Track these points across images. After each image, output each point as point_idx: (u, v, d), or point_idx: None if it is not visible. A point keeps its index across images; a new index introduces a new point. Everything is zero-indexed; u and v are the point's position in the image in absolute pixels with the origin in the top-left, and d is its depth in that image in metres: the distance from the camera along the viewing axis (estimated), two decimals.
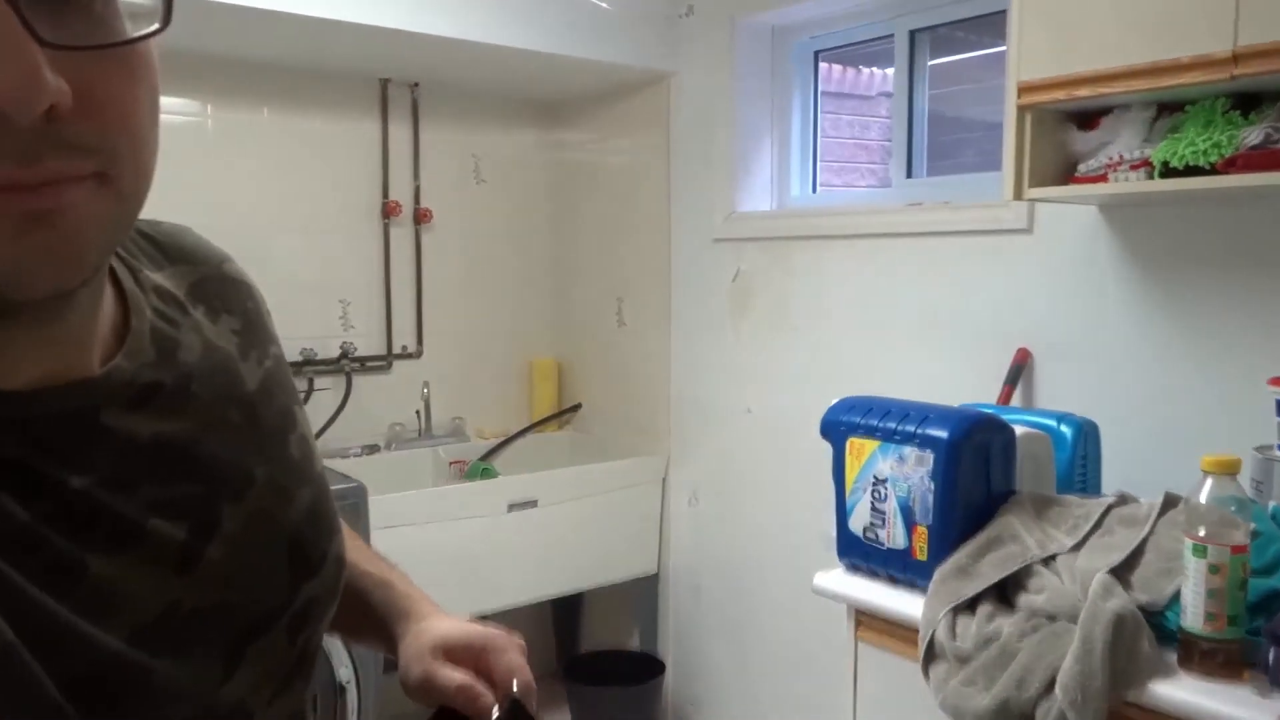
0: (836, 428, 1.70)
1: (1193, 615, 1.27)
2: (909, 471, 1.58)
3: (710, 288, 2.82)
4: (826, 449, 1.73)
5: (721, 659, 2.89)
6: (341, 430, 2.91)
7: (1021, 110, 1.68)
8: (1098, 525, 1.51)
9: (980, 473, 1.58)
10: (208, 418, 0.58)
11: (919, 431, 1.58)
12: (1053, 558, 1.48)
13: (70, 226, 0.44)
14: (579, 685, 2.83)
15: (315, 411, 2.85)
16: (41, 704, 0.45)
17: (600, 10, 2.66)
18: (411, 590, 0.82)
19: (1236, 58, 1.42)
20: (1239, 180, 1.48)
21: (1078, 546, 1.49)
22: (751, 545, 2.77)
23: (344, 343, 2.92)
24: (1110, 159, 1.65)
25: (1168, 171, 1.55)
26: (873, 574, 1.68)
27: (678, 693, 3.03)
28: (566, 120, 3.28)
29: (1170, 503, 1.48)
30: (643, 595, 3.04)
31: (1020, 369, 2.03)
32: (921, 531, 1.58)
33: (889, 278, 2.35)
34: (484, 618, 0.81)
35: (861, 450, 1.65)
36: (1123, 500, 1.57)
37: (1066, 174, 1.73)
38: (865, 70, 2.83)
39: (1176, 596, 1.32)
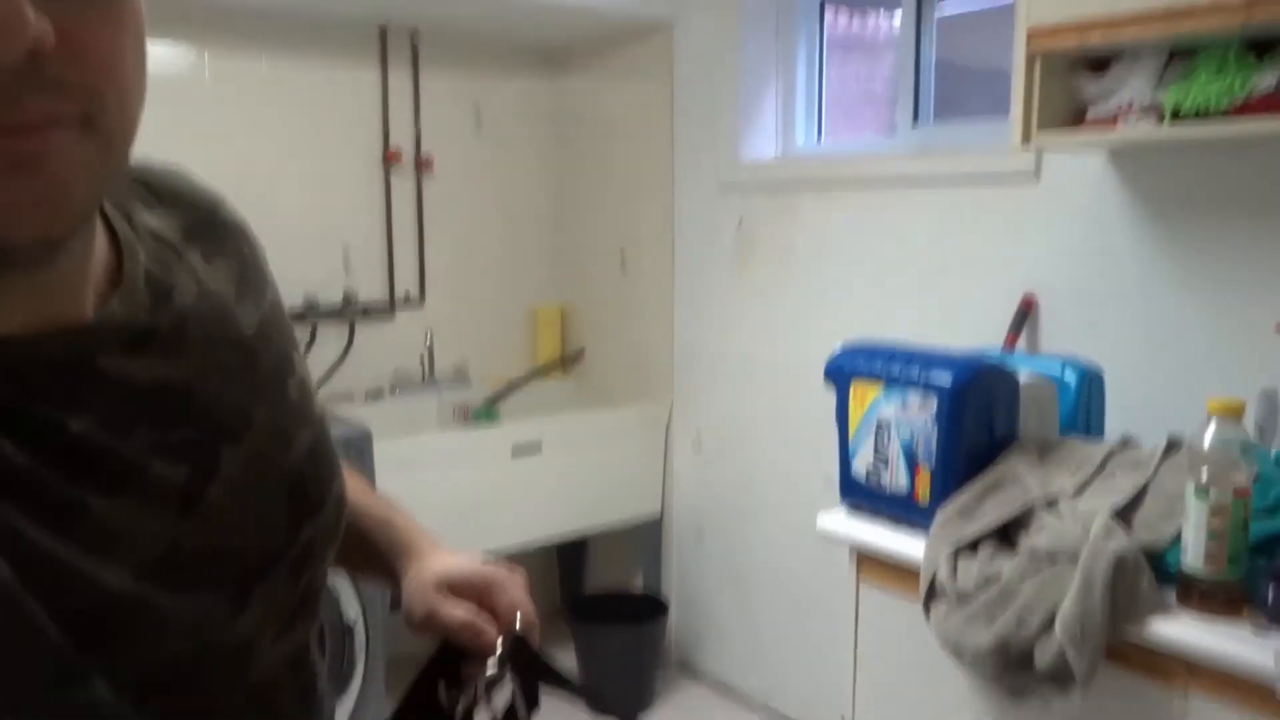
0: (841, 372, 1.70)
1: (1193, 556, 1.29)
2: (913, 416, 1.59)
3: (714, 235, 2.81)
4: (830, 394, 1.74)
5: (724, 600, 2.93)
6: (345, 377, 2.92)
7: (1031, 56, 1.67)
8: (1100, 468, 1.53)
9: (984, 418, 1.60)
10: (204, 362, 0.57)
11: (923, 376, 1.59)
12: (1055, 500, 1.50)
13: (56, 173, 0.44)
14: (583, 625, 2.87)
15: (318, 359, 2.86)
16: (39, 641, 0.45)
17: None
18: (413, 527, 0.82)
19: (1250, 1, 1.41)
20: (1250, 125, 1.47)
21: (1080, 489, 1.50)
22: (754, 489, 2.79)
23: (346, 290, 2.91)
24: (1120, 105, 1.63)
25: (1178, 117, 1.54)
26: (875, 516, 1.70)
27: (680, 633, 3.07)
28: (569, 67, 3.25)
29: (1173, 446, 1.50)
30: (646, 538, 3.08)
31: (1025, 316, 2.03)
32: (924, 475, 1.59)
33: (894, 225, 2.34)
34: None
35: (865, 394, 1.66)
36: (1126, 444, 1.58)
37: (1075, 120, 1.72)
38: (872, 17, 2.79)
39: (1177, 538, 1.34)
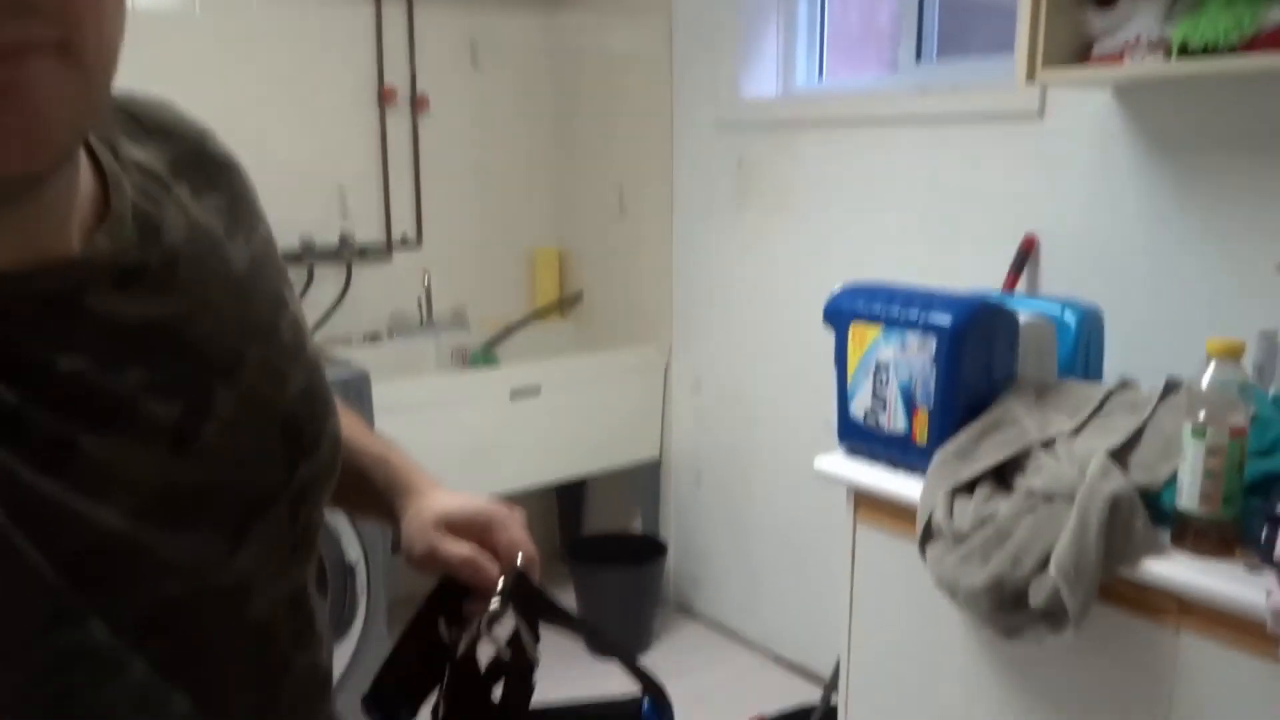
0: (840, 313, 1.69)
1: (1188, 495, 1.30)
2: (911, 357, 1.59)
3: (713, 175, 2.78)
4: (829, 336, 1.73)
5: (722, 542, 2.96)
6: (343, 320, 2.91)
7: None
8: (1098, 410, 1.53)
9: (982, 359, 1.59)
10: (195, 299, 0.56)
11: (922, 317, 1.58)
12: (1052, 441, 1.50)
13: (35, 104, 0.43)
14: (582, 566, 2.90)
15: (315, 301, 2.85)
16: (35, 582, 0.45)
17: None
18: (410, 466, 0.82)
19: None
20: (1259, 61, 1.44)
21: (1078, 430, 1.50)
22: (753, 431, 2.80)
23: (343, 231, 2.89)
24: (1127, 40, 1.60)
25: (1185, 52, 1.51)
26: (873, 457, 1.70)
27: (679, 574, 3.11)
28: (566, 3, 3.18)
29: (1171, 387, 1.50)
30: (645, 480, 3.09)
31: (1026, 256, 2.02)
32: (922, 416, 1.59)
33: (896, 165, 2.32)
34: None
35: (864, 336, 1.65)
36: (1124, 386, 1.58)
37: (1081, 56, 1.69)
38: None
39: (1173, 478, 1.34)
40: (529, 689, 0.72)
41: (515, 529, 0.76)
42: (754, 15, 2.64)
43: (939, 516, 1.49)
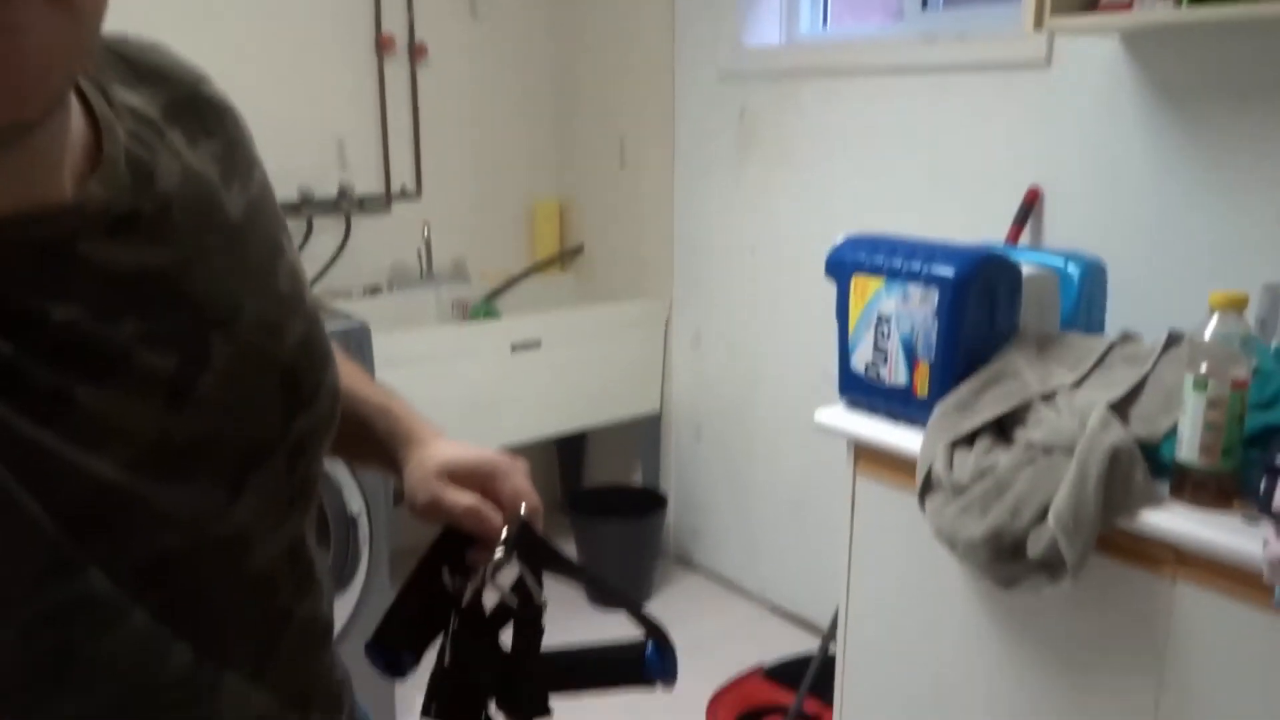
0: (842, 265, 1.69)
1: (1188, 447, 1.30)
2: (913, 309, 1.58)
3: (715, 126, 2.76)
4: (830, 290, 1.72)
5: (722, 495, 2.98)
6: (342, 272, 2.90)
7: None
8: (1100, 362, 1.53)
9: (984, 311, 1.58)
10: (190, 248, 0.55)
11: (925, 269, 1.57)
12: (1053, 394, 1.50)
13: (24, 53, 0.42)
14: (582, 518, 2.92)
15: (315, 253, 2.83)
16: (34, 532, 0.45)
17: None
18: (412, 415, 0.82)
19: None
20: (1271, 8, 1.42)
21: (1079, 383, 1.50)
22: (753, 385, 2.80)
23: (342, 183, 2.87)
24: None
25: None
26: (873, 410, 1.70)
27: (678, 526, 3.13)
28: None
29: (1173, 340, 1.49)
30: (645, 434, 3.10)
31: (1030, 208, 2.00)
32: (923, 369, 1.59)
33: (900, 115, 2.29)
34: None
35: (866, 288, 1.64)
36: (1126, 338, 1.58)
37: (1090, 4, 1.66)
38: None
39: (1173, 431, 1.34)
40: (539, 632, 0.72)
41: (519, 478, 0.76)
42: None
43: (939, 468, 1.49)
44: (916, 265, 1.58)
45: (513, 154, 3.22)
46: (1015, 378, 1.54)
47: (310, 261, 2.79)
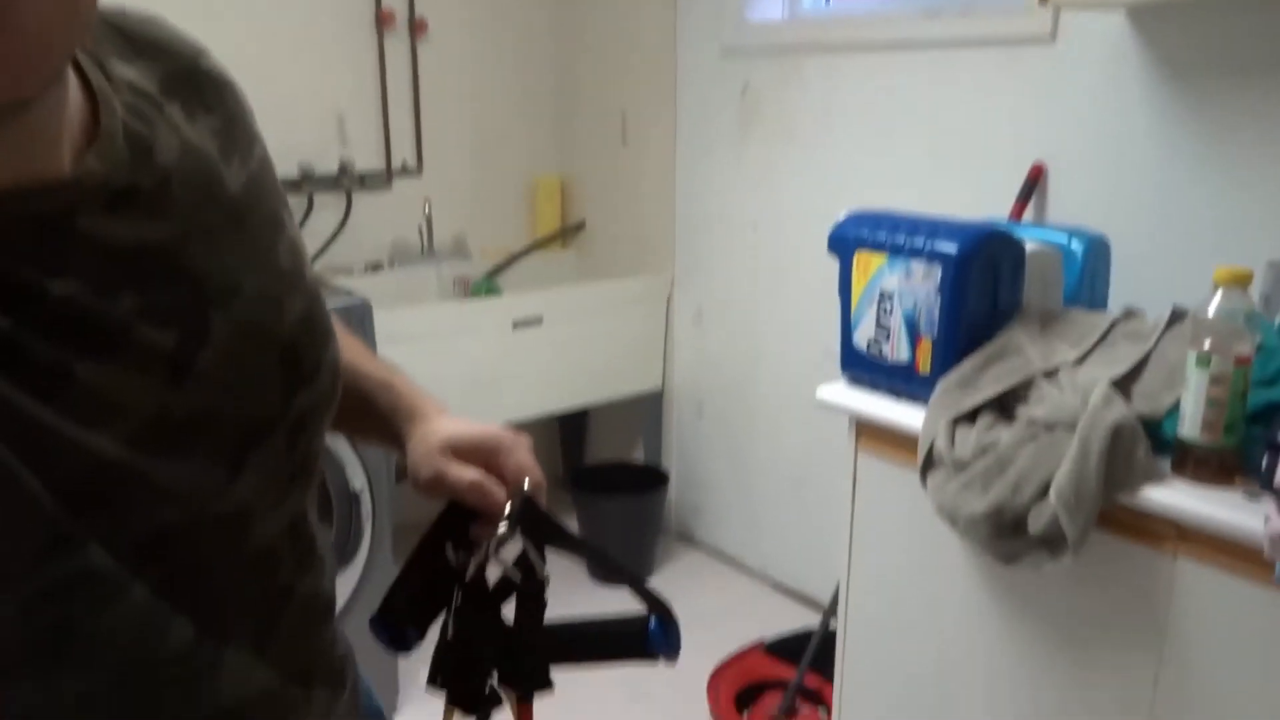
0: (845, 241, 1.68)
1: (1190, 424, 1.30)
2: (916, 285, 1.58)
3: (717, 102, 2.74)
4: (832, 266, 1.72)
5: (723, 472, 2.98)
6: (343, 249, 2.89)
7: None
8: (1102, 339, 1.52)
9: (987, 288, 1.58)
10: (189, 223, 0.55)
11: (927, 245, 1.56)
12: (1055, 371, 1.50)
13: (22, 29, 0.41)
14: (584, 495, 2.93)
15: (316, 230, 2.83)
16: (33, 508, 0.45)
17: None
18: (414, 390, 0.82)
19: None
20: None
21: (1081, 360, 1.50)
22: (754, 362, 2.80)
23: (342, 159, 2.86)
24: None
25: None
26: (875, 387, 1.70)
27: (680, 503, 3.14)
28: None
29: (1177, 317, 1.49)
30: (647, 411, 3.11)
31: (1034, 184, 1.99)
32: (926, 345, 1.59)
33: (904, 91, 2.28)
34: None
35: (869, 264, 1.64)
36: (1129, 315, 1.57)
37: None
38: None
39: (1175, 407, 1.34)
40: (541, 607, 0.73)
41: (522, 453, 0.76)
42: None
43: (940, 445, 1.49)
44: (919, 241, 1.57)
45: (514, 130, 3.20)
46: (1018, 354, 1.54)
47: (311, 238, 2.78)
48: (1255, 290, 1.38)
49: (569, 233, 3.30)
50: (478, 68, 3.08)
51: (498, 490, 0.74)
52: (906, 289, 1.60)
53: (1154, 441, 1.36)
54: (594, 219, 3.24)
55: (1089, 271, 1.71)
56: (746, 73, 2.64)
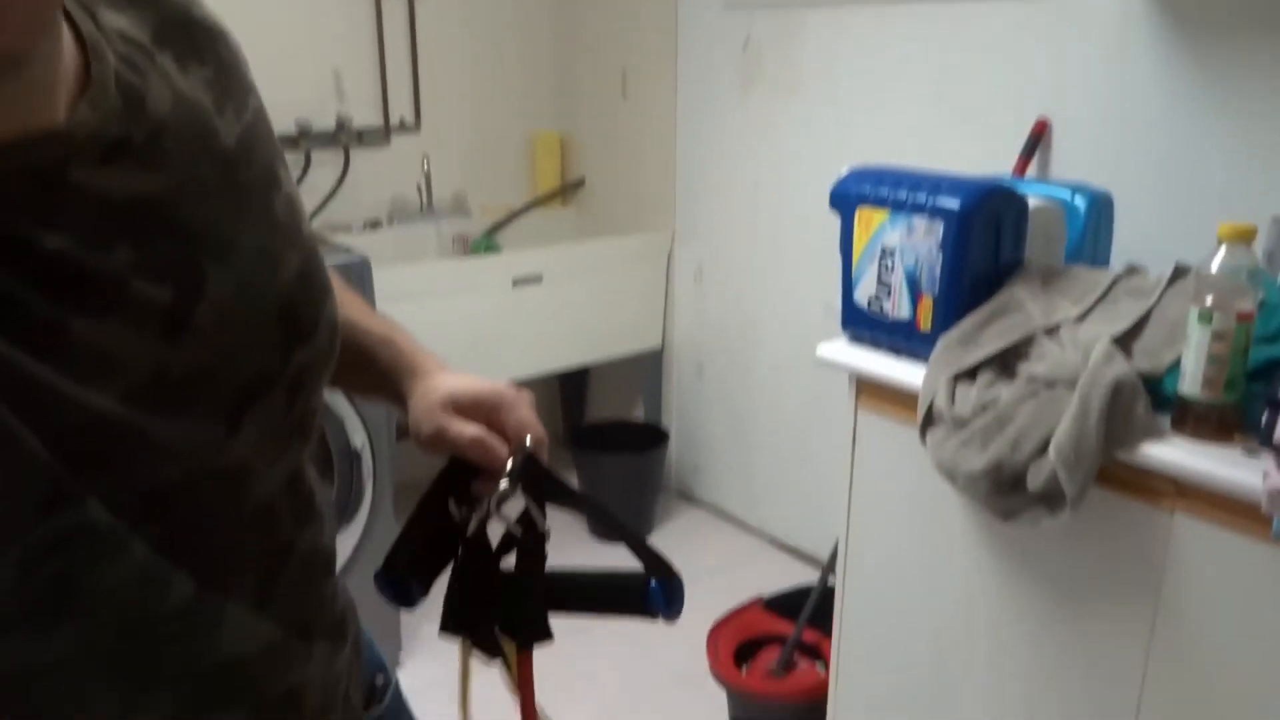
0: (846, 198, 1.67)
1: (1190, 381, 1.30)
2: (917, 242, 1.57)
3: (719, 56, 2.71)
4: (834, 224, 1.71)
5: (723, 430, 2.99)
6: (342, 206, 2.87)
7: None
8: (1104, 296, 1.52)
9: (989, 244, 1.57)
10: (183, 175, 0.54)
11: (930, 201, 1.55)
12: (1056, 328, 1.49)
13: None
14: (585, 453, 2.93)
15: (314, 187, 2.81)
16: (31, 463, 0.45)
17: None
18: (415, 346, 0.81)
19: None
20: None
21: (1083, 317, 1.49)
22: (755, 320, 2.80)
23: (340, 115, 2.83)
24: None
25: None
26: (876, 345, 1.70)
27: (680, 461, 3.15)
28: None
29: (1179, 273, 1.48)
30: (647, 369, 3.11)
31: (1038, 140, 1.97)
32: (927, 302, 1.58)
33: (907, 45, 2.25)
34: None
35: (870, 221, 1.63)
36: (1131, 271, 1.57)
37: None
38: None
39: (1176, 364, 1.34)
40: (541, 560, 0.73)
41: (524, 410, 0.76)
42: None
43: (940, 402, 1.49)
44: (921, 197, 1.56)
45: (513, 85, 3.17)
46: (1019, 311, 1.53)
47: (309, 195, 2.76)
48: (1259, 246, 1.37)
49: (569, 190, 3.28)
50: (476, 21, 3.04)
51: (499, 446, 0.74)
52: (908, 245, 1.59)
53: (1154, 398, 1.36)
54: (594, 176, 3.22)
55: (1092, 228, 1.70)
56: (748, 26, 2.60)
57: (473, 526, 0.73)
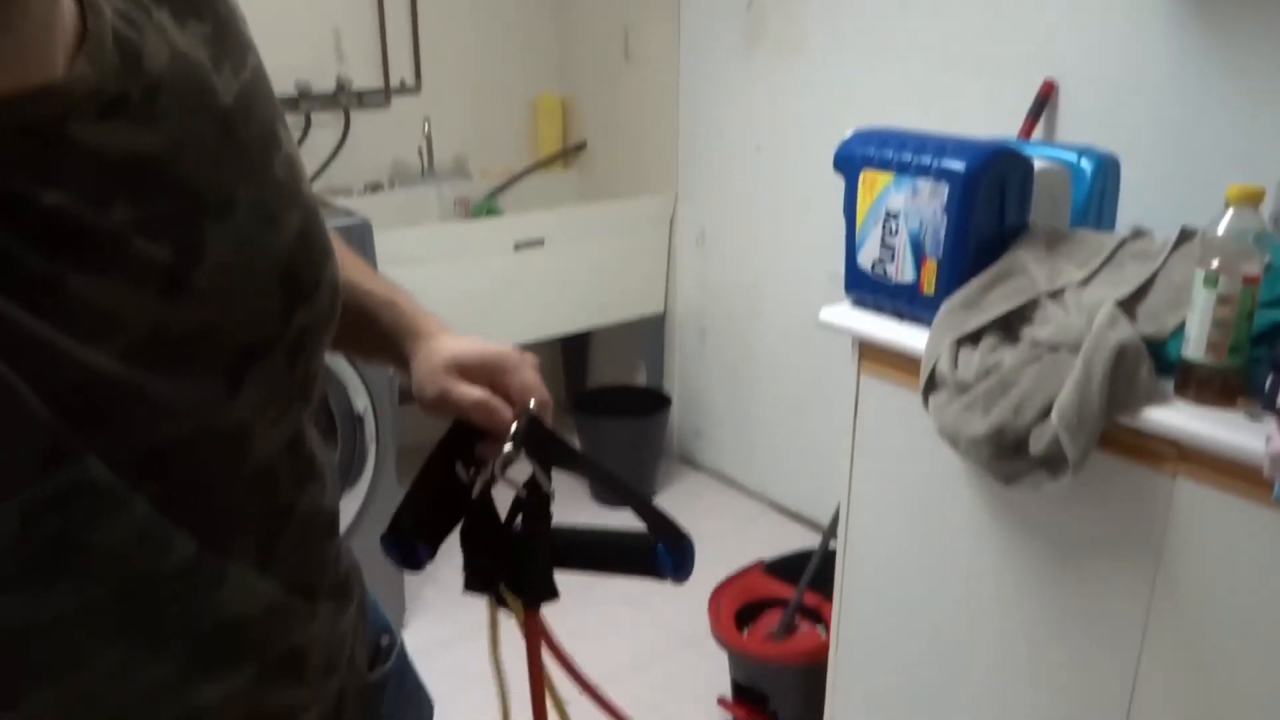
0: (850, 160, 1.65)
1: (1195, 345, 1.29)
2: (922, 204, 1.56)
3: (721, 16, 2.67)
4: (838, 187, 1.69)
5: (725, 395, 2.99)
6: (341, 169, 2.86)
7: None
8: (1109, 259, 1.51)
9: (995, 206, 1.56)
10: (181, 133, 0.53)
11: (935, 163, 1.54)
12: (1060, 292, 1.48)
13: None
14: (587, 418, 2.94)
15: (314, 150, 2.79)
16: (31, 420, 0.45)
17: None
18: (417, 309, 0.81)
19: None
20: None
21: (1087, 280, 1.49)
22: (758, 284, 2.79)
23: (339, 76, 2.80)
24: None
25: None
26: (879, 309, 1.69)
27: (682, 426, 3.15)
28: None
29: (1185, 236, 1.47)
30: (649, 334, 3.10)
31: (1044, 102, 1.96)
32: (931, 265, 1.57)
33: (913, 4, 2.22)
34: None
35: (875, 183, 1.62)
36: (1137, 235, 1.56)
37: None
38: None
39: (1180, 328, 1.33)
40: (546, 519, 0.73)
41: (527, 372, 0.76)
42: None
43: (943, 366, 1.49)
44: (927, 159, 1.55)
45: (514, 46, 3.14)
46: (1023, 275, 1.53)
47: (309, 158, 2.74)
48: (1266, 209, 1.36)
49: (571, 153, 3.26)
50: None
51: (503, 409, 0.74)
52: (912, 208, 1.58)
53: (1157, 362, 1.35)
54: (596, 139, 3.20)
55: (1098, 191, 1.69)
56: None
57: (477, 489, 0.73)
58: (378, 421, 2.23)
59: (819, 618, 2.09)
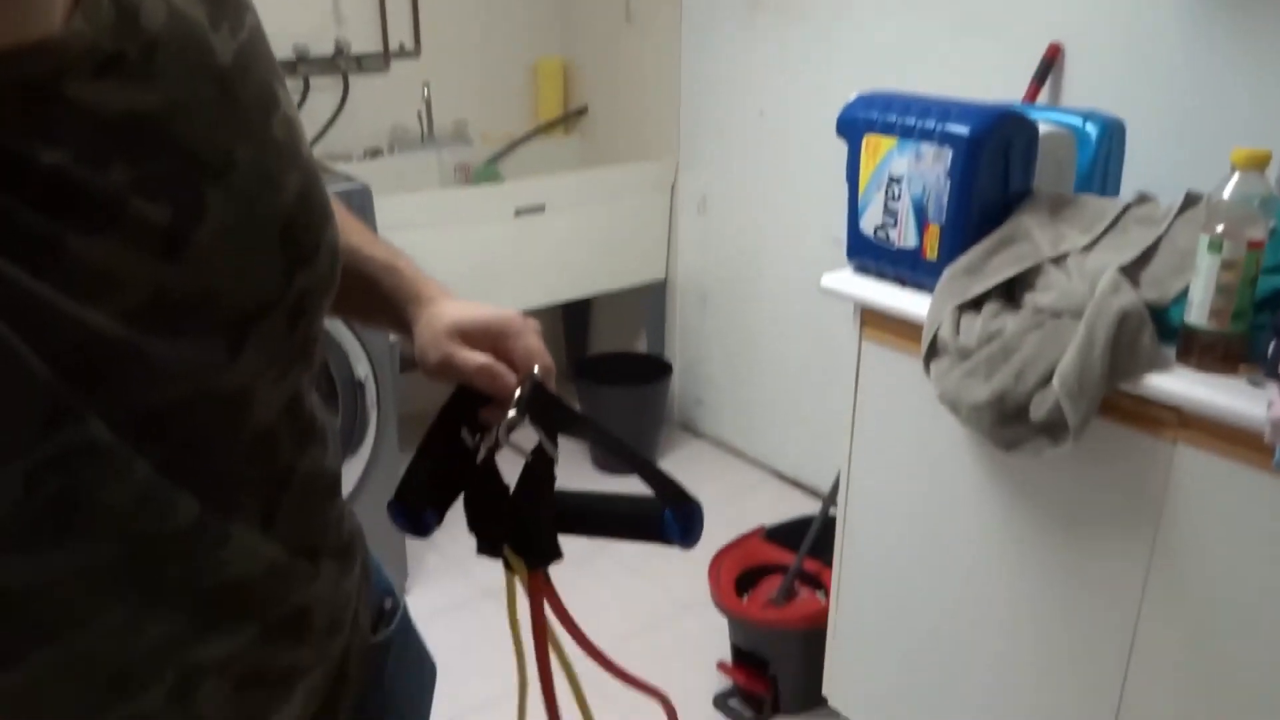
0: (853, 124, 1.64)
1: (1198, 310, 1.29)
2: (925, 169, 1.55)
3: None
4: (840, 153, 1.68)
5: (726, 362, 2.99)
6: (340, 134, 2.84)
7: None
8: (1113, 225, 1.50)
9: (999, 171, 1.55)
10: (178, 92, 0.53)
11: (939, 128, 1.53)
12: (1064, 257, 1.48)
13: None
14: (588, 385, 2.94)
15: (313, 115, 2.77)
16: (31, 380, 0.44)
17: None
18: (419, 274, 0.80)
19: None
20: None
21: (1091, 246, 1.48)
22: (759, 251, 2.78)
23: (338, 40, 2.78)
24: None
25: None
26: (881, 275, 1.69)
27: (683, 393, 3.16)
28: None
29: (1191, 202, 1.46)
30: (650, 301, 3.10)
31: (1050, 66, 1.94)
32: (933, 231, 1.57)
33: None
34: None
35: (878, 148, 1.60)
36: (1142, 200, 1.55)
37: None
38: None
39: (1183, 294, 1.33)
40: (550, 481, 0.74)
41: (530, 337, 0.76)
42: None
43: (945, 333, 1.49)
44: (930, 124, 1.54)
45: (514, 9, 3.10)
46: (1026, 240, 1.52)
47: (308, 122, 2.72)
48: (1273, 174, 1.35)
49: (571, 118, 3.23)
50: None
51: (507, 374, 0.74)
52: (916, 173, 1.56)
53: (1160, 328, 1.35)
54: (597, 103, 3.17)
55: (1103, 155, 1.68)
56: None
57: (481, 454, 0.73)
58: (379, 388, 2.23)
59: (819, 584, 2.10)
